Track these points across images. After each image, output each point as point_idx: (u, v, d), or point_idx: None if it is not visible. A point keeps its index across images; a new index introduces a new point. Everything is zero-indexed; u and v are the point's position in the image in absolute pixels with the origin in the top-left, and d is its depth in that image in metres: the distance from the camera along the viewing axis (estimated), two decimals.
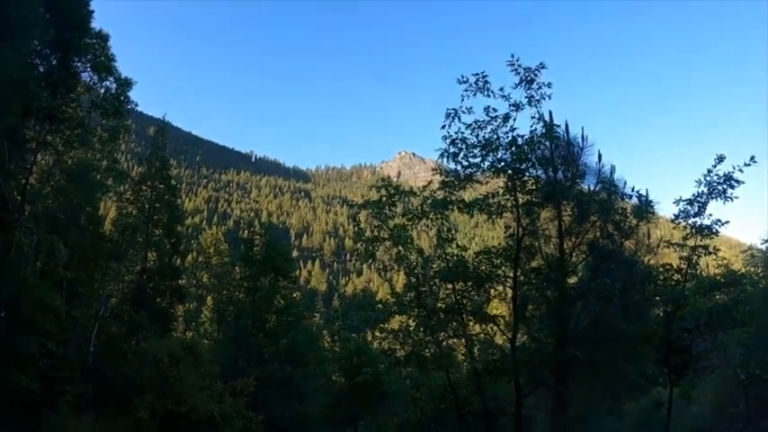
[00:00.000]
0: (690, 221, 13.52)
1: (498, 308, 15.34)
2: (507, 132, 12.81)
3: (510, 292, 13.58)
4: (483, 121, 12.85)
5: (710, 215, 13.33)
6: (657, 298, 14.40)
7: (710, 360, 15.32)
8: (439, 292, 14.70)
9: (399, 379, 27.13)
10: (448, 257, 14.37)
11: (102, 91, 24.43)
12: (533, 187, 13.32)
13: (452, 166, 13.49)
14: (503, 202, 13.39)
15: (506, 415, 16.52)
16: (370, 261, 15.25)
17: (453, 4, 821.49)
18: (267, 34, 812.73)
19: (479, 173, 13.50)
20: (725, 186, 12.88)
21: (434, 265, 14.75)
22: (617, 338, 12.55)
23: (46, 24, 21.57)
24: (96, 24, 23.40)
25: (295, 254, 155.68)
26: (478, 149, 13.03)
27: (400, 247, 14.65)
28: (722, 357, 14.74)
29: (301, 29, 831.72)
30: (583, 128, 13.23)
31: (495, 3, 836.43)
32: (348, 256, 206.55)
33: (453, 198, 13.90)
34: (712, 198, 13.09)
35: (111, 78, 24.19)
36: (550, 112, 12.86)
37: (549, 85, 12.53)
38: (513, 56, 12.56)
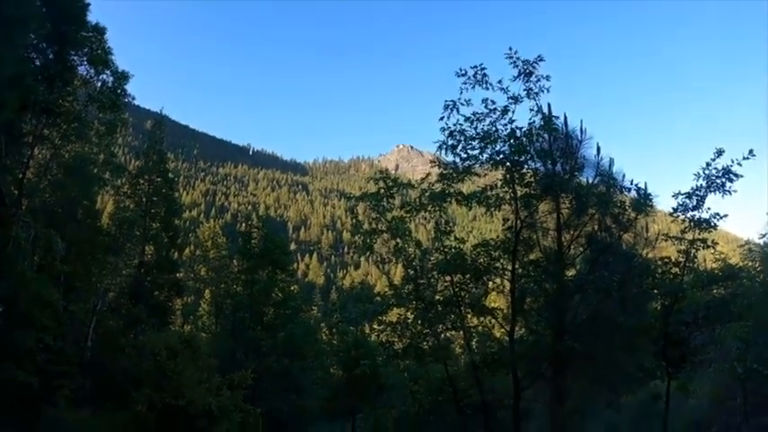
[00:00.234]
0: (688, 215, 13.52)
1: (496, 300, 15.32)
2: (506, 125, 12.78)
3: (508, 285, 13.60)
4: (481, 114, 12.80)
5: (709, 209, 13.34)
6: (655, 291, 14.42)
7: (708, 353, 15.35)
8: (437, 284, 14.71)
9: (397, 371, 27.07)
10: (446, 250, 14.35)
11: (99, 84, 24.21)
12: (532, 180, 13.33)
13: (451, 158, 13.47)
14: (501, 195, 13.35)
15: (504, 407, 16.56)
16: (368, 253, 15.20)
17: None
18: (264, 28, 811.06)
19: (478, 165, 13.43)
20: (723, 180, 12.86)
21: (432, 258, 14.73)
22: (615, 331, 12.59)
23: (42, 18, 21.40)
24: (92, 18, 23.20)
25: (293, 247, 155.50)
26: (477, 141, 12.97)
27: (398, 240, 14.61)
28: (719, 351, 14.76)
29: (298, 22, 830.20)
30: (582, 121, 13.27)
31: None
32: (346, 249, 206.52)
33: (451, 190, 13.87)
34: (711, 191, 13.07)
35: (108, 72, 23.96)
36: (549, 105, 12.84)
37: (547, 78, 12.51)
38: (511, 48, 12.53)
